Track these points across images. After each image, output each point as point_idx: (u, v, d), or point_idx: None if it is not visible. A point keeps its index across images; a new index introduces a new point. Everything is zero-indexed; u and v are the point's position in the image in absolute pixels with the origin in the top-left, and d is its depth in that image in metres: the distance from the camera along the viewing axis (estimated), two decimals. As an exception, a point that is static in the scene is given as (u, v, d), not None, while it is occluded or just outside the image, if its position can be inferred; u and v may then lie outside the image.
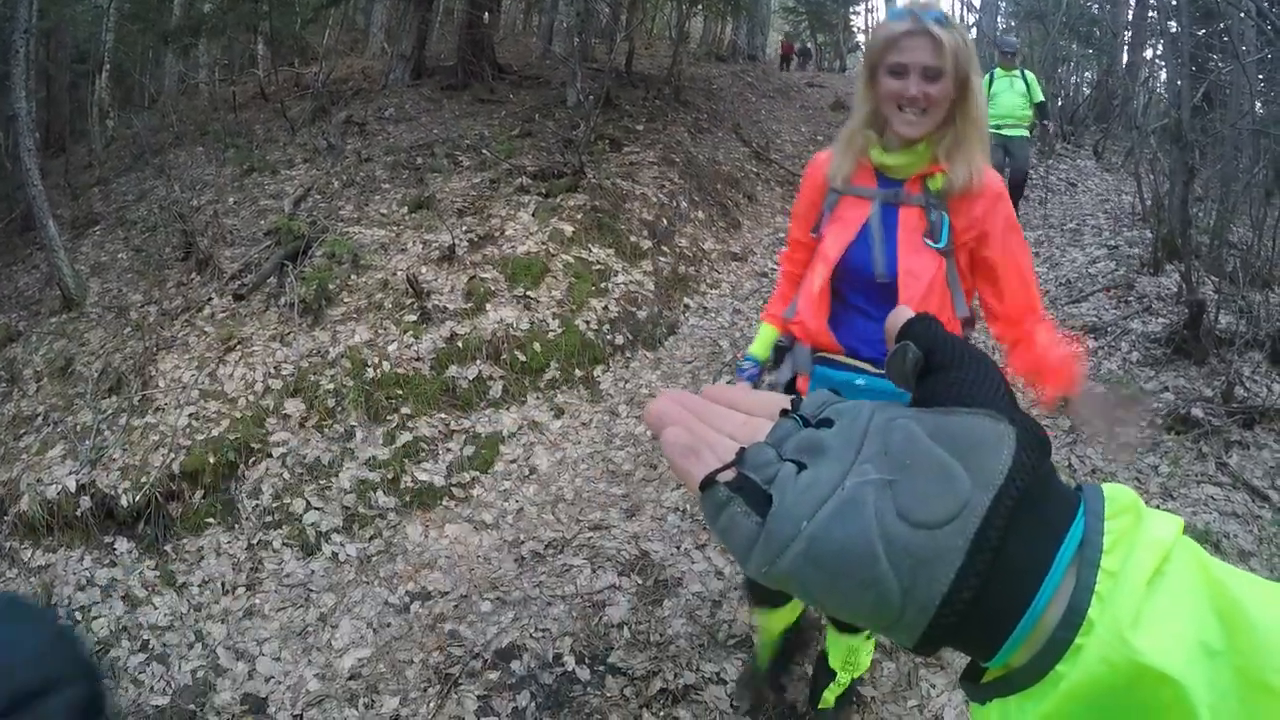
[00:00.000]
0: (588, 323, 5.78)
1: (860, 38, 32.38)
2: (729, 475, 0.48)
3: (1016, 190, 7.94)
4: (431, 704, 3.17)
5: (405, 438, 4.75)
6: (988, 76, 8.07)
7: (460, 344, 5.29)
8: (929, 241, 1.96)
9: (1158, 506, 3.62)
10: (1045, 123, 8.74)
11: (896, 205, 2.02)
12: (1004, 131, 7.88)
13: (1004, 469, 0.44)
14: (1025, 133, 8.12)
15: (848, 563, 0.43)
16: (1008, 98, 7.97)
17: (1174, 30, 8.27)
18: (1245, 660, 0.41)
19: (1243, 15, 6.89)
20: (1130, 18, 14.09)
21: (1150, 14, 12.82)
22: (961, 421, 0.47)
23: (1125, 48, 14.04)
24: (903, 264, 1.97)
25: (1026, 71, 8.17)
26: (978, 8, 18.23)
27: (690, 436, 0.51)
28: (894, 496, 0.44)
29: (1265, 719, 0.40)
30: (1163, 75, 12.40)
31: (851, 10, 30.86)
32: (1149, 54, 13.60)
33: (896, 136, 1.96)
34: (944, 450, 0.45)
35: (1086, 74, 16.44)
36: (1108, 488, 0.46)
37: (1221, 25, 8.91)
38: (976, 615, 0.43)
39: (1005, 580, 0.43)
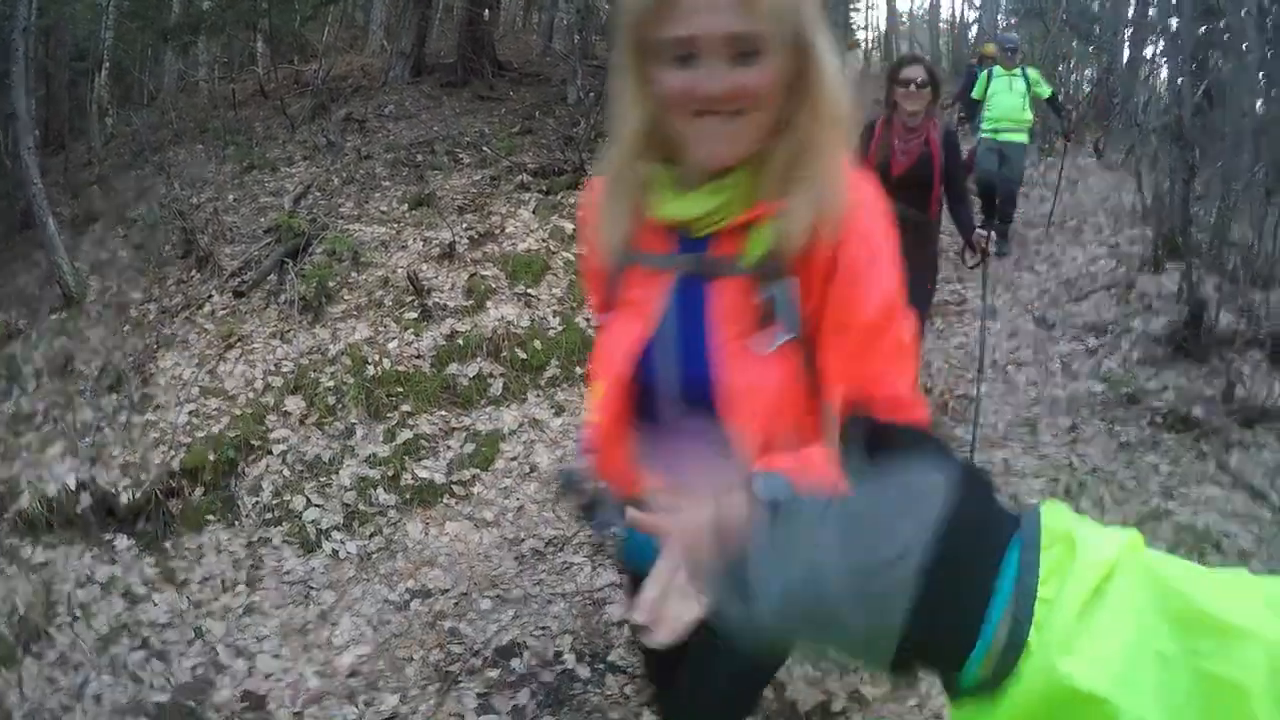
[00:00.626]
0: (588, 320, 5.78)
1: (860, 35, 32.34)
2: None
3: (1007, 204, 7.59)
4: (431, 701, 3.17)
5: (405, 435, 4.75)
6: (984, 75, 7.80)
7: (461, 341, 5.29)
8: (768, 336, 1.15)
9: (1158, 506, 3.64)
10: (1060, 114, 8.84)
11: (705, 280, 1.20)
12: (1000, 136, 7.50)
13: (941, 513, 0.51)
14: (1024, 138, 7.69)
15: (818, 612, 0.52)
16: (1006, 99, 7.52)
17: (1174, 28, 8.28)
18: (1205, 660, 0.44)
19: (1243, 13, 6.89)
20: (1131, 15, 14.07)
21: (1151, 11, 12.80)
22: (901, 479, 0.55)
23: (1126, 45, 14.02)
24: (725, 377, 1.17)
25: (1028, 69, 7.73)
26: (978, 5, 18.23)
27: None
28: (847, 549, 0.52)
29: (1231, 717, 0.43)
30: (1163, 73, 12.38)
31: (851, 6, 30.81)
32: (1149, 51, 13.57)
33: (695, 165, 1.16)
34: (888, 504, 0.54)
35: (1087, 72, 16.43)
36: (1046, 513, 0.52)
37: (1222, 23, 8.91)
38: (935, 642, 0.51)
39: (955, 609, 0.50)
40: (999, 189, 7.52)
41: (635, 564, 1.41)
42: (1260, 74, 7.58)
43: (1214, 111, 8.20)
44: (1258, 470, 3.88)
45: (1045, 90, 7.73)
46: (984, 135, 7.67)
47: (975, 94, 8.01)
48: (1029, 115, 7.66)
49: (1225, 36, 8.99)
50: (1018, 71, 7.62)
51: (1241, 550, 3.39)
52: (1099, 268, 6.54)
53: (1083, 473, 4.09)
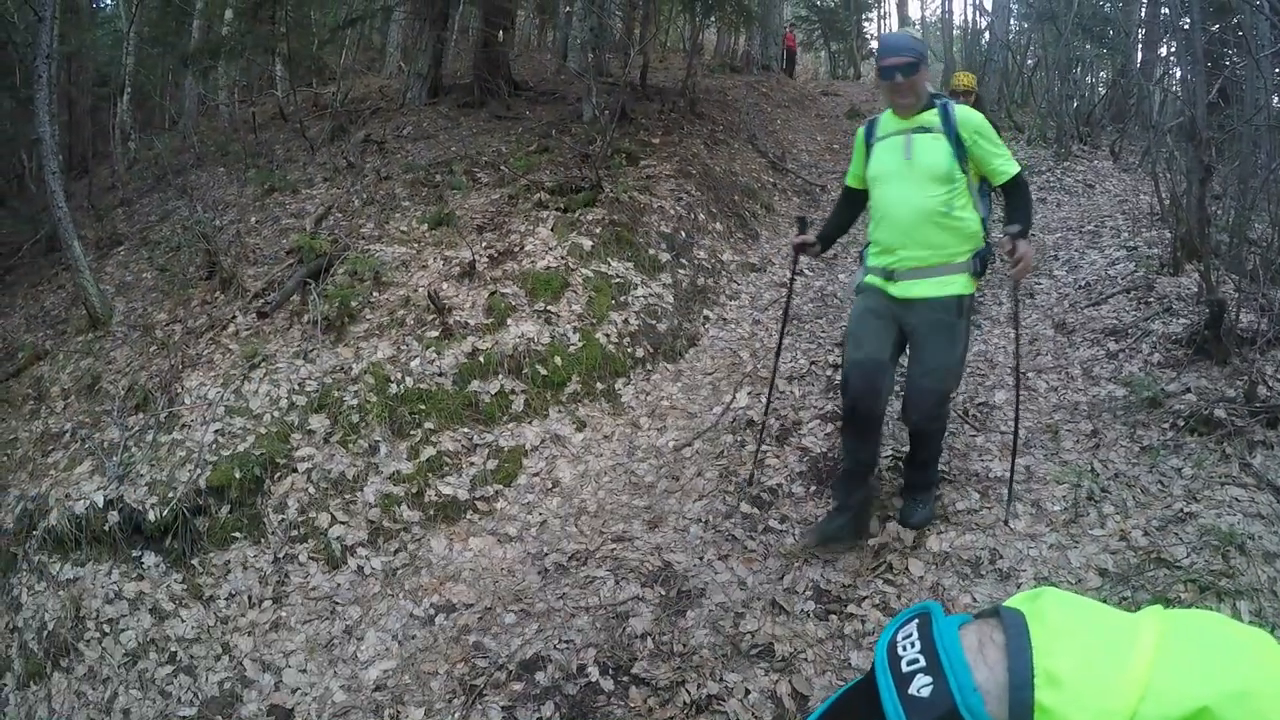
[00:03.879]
0: (608, 336, 5.81)
1: (873, 44, 32.35)
2: None
3: (921, 447, 3.80)
4: (456, 715, 3.19)
5: (429, 452, 4.78)
6: (861, 131, 3.69)
7: (482, 359, 5.33)
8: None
9: (1181, 510, 3.62)
10: (1027, 219, 3.48)
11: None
12: (893, 289, 3.53)
13: None
14: (957, 287, 3.46)
15: None
16: (902, 189, 3.45)
17: (1187, 27, 8.24)
18: None
19: (1255, 9, 6.86)
20: (1143, 15, 14.03)
21: (1163, 11, 12.76)
22: None
23: (1139, 46, 13.97)
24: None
25: (960, 110, 3.42)
26: (990, 10, 18.18)
27: None
28: None
29: None
30: (1177, 73, 12.33)
31: (864, 17, 30.86)
32: (1163, 52, 13.52)
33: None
34: None
35: (1101, 74, 16.36)
36: (1039, 688, 0.63)
37: (1235, 20, 8.87)
38: None
39: None
40: (907, 406, 3.67)
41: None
42: (1275, 70, 7.54)
43: (1229, 110, 8.16)
44: (1283, 472, 3.85)
45: (1002, 166, 3.42)
46: (866, 280, 3.66)
47: (850, 178, 3.83)
48: (968, 221, 3.45)
49: (1238, 34, 8.95)
50: (933, 119, 3.42)
51: (1266, 552, 3.36)
52: (1117, 271, 6.50)
53: (1105, 478, 4.06)
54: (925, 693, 0.66)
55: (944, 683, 0.65)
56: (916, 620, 0.73)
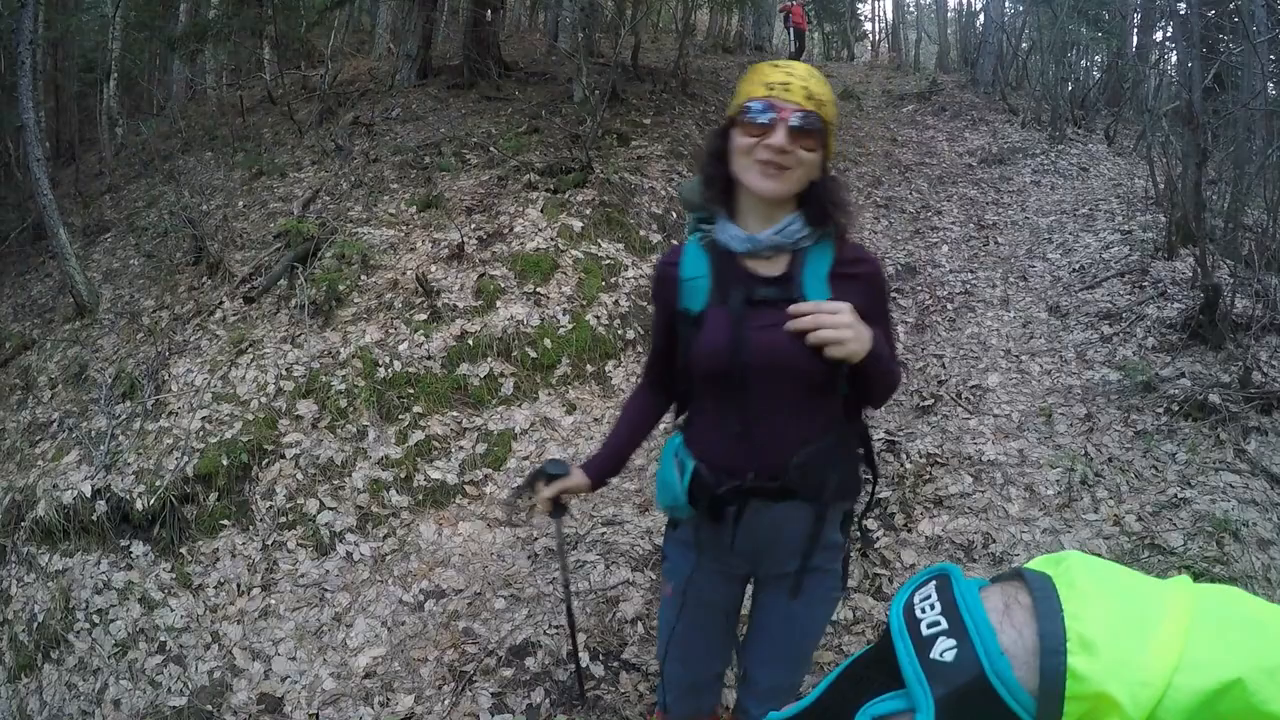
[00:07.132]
0: (598, 318, 5.77)
1: (867, 26, 32.18)
2: None
3: None
4: (446, 701, 3.17)
5: (417, 436, 4.75)
6: None
7: (471, 342, 5.29)
8: None
9: (1175, 495, 3.60)
10: None
11: None
12: None
13: None
14: None
15: None
16: None
17: (1183, 11, 8.20)
18: None
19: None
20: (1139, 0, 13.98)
21: (1159, -4, 12.71)
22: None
23: (1135, 30, 13.92)
24: None
25: None
26: (985, -6, 18.08)
27: None
28: None
29: None
30: (1173, 57, 12.29)
31: (858, -1, 30.66)
32: (1159, 36, 13.47)
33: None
34: None
35: (1096, 58, 16.31)
36: (1072, 662, 0.57)
37: (1232, 5, 8.82)
38: None
39: None
40: None
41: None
42: (1271, 56, 7.50)
43: (1225, 95, 8.13)
44: (1276, 456, 3.83)
45: None
46: None
47: None
48: None
49: (1235, 19, 8.91)
50: None
51: (1261, 539, 3.35)
52: (1112, 254, 6.48)
53: (1099, 462, 4.05)
54: (949, 657, 0.61)
55: (969, 646, 0.61)
56: (935, 581, 0.68)
